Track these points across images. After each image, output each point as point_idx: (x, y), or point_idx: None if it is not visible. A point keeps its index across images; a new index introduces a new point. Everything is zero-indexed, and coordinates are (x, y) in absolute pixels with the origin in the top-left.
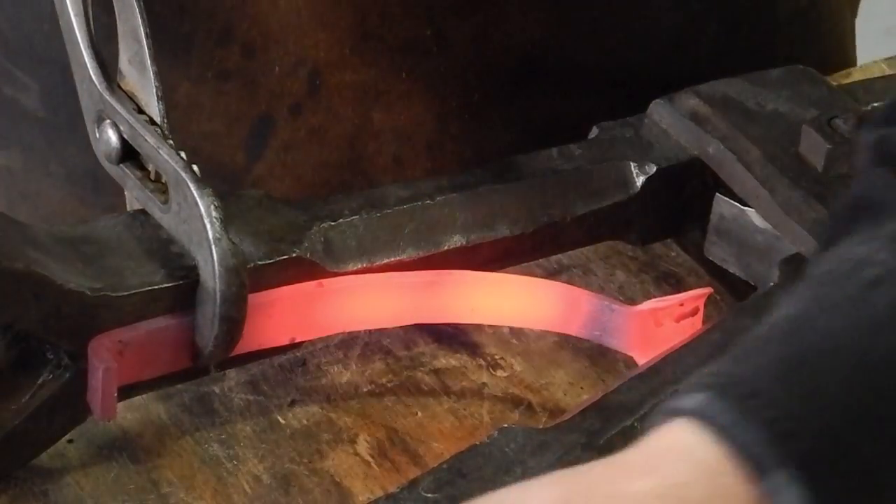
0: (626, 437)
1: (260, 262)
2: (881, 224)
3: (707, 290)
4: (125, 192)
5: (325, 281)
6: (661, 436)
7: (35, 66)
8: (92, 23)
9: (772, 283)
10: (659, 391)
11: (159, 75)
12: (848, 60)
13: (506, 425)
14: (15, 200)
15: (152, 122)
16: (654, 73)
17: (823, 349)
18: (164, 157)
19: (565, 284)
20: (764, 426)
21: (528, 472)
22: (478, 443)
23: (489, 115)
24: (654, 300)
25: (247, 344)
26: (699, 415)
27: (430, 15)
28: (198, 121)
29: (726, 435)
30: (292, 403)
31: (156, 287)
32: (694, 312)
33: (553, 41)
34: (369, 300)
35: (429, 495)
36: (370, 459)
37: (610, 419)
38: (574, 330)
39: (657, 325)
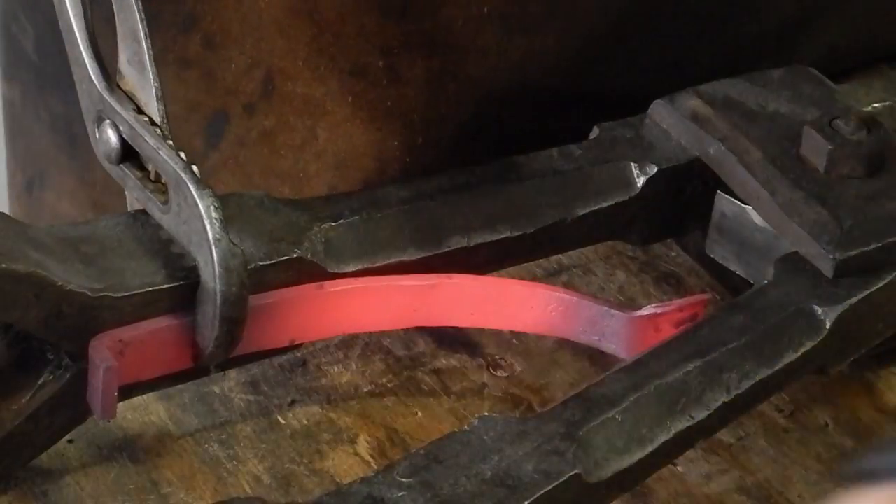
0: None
1: (261, 263)
2: None
3: (706, 296)
4: (125, 192)
5: (325, 283)
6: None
7: (32, 13)
8: (92, 23)
9: (766, 281)
10: (643, 384)
11: (158, 76)
12: None
13: (486, 413)
14: (15, 133)
15: (152, 122)
16: None
17: None
18: (164, 157)
19: (565, 289)
20: None
21: (504, 461)
22: (457, 430)
23: (432, 166)
24: (653, 305)
25: (247, 345)
26: None
27: (385, 47)
28: None
29: None
30: (292, 403)
31: (156, 288)
32: (693, 318)
33: (511, 101)
34: (369, 303)
35: (403, 480)
36: (370, 459)
37: (591, 410)
38: (573, 335)
39: (656, 330)
